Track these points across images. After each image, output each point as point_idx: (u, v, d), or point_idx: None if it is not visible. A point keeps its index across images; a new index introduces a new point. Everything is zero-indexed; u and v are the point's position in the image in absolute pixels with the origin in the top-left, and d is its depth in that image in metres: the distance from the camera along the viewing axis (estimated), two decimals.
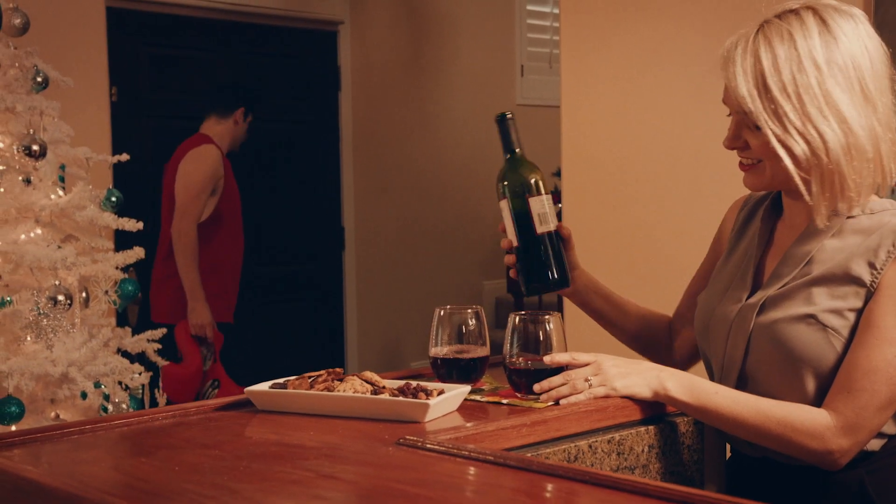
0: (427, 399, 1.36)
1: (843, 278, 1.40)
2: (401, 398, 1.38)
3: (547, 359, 1.47)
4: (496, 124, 1.70)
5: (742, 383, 1.48)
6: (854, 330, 1.38)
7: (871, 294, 1.38)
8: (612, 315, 1.75)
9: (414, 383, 1.43)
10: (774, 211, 1.56)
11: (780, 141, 1.38)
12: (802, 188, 1.40)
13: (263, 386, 1.45)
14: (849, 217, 1.43)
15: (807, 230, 1.46)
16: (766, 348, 1.44)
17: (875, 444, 1.43)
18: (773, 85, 1.37)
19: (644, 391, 1.44)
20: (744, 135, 1.44)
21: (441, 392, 1.41)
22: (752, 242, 1.55)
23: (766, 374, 1.45)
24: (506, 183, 1.66)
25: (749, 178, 1.48)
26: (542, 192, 1.66)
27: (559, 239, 1.65)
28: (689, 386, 1.43)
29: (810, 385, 1.41)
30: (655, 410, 1.48)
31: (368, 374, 1.47)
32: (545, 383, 1.45)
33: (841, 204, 1.41)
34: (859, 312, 1.38)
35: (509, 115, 1.69)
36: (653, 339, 1.75)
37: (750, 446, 1.49)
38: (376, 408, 1.37)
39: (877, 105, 1.39)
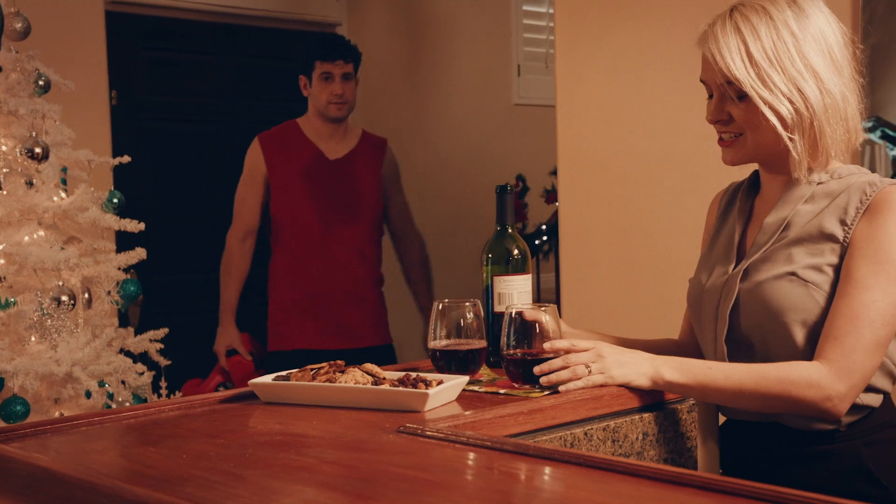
0: (426, 389, 1.40)
1: (819, 237, 1.50)
2: (401, 388, 1.41)
3: (547, 345, 1.51)
4: (496, 194, 1.76)
5: (735, 349, 1.55)
6: (834, 285, 1.47)
7: (844, 249, 1.48)
8: None
9: (413, 374, 1.47)
10: (753, 189, 1.66)
11: (766, 104, 1.49)
12: (790, 145, 1.50)
13: (267, 378, 1.49)
14: (819, 183, 1.54)
15: (781, 200, 1.56)
16: (754, 309, 1.51)
17: (874, 400, 1.51)
18: (756, 53, 1.49)
19: (641, 380, 1.49)
20: (727, 107, 1.54)
21: (440, 382, 1.44)
22: (733, 220, 1.64)
23: (756, 336, 1.52)
24: (489, 255, 1.75)
25: (729, 152, 1.58)
26: (521, 270, 1.72)
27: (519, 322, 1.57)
28: (683, 368, 1.49)
29: (799, 338, 1.48)
30: (650, 399, 1.52)
31: (369, 366, 1.50)
32: (545, 366, 1.49)
33: (818, 159, 1.53)
34: (837, 268, 1.48)
35: (509, 189, 1.76)
36: None
37: (750, 414, 1.54)
38: (377, 398, 1.41)
39: (843, 71, 1.52)
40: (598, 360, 1.50)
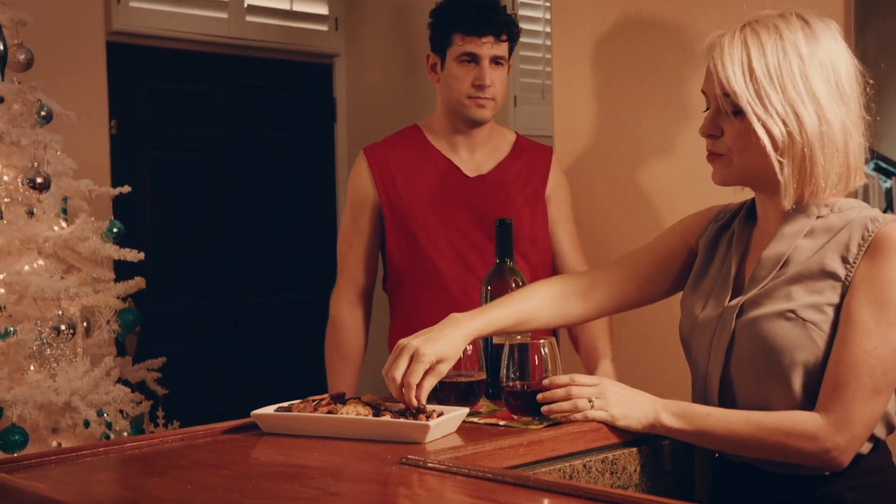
0: (427, 421, 1.41)
1: (819, 274, 1.46)
2: (402, 420, 1.42)
3: (546, 381, 1.52)
4: (495, 228, 1.79)
5: (726, 386, 1.53)
6: (834, 325, 1.44)
7: (846, 288, 1.44)
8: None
9: (416, 407, 1.48)
10: (750, 218, 1.62)
11: (760, 122, 1.45)
12: (777, 168, 1.46)
13: (269, 409, 1.50)
14: (818, 217, 1.50)
15: (779, 233, 1.52)
16: (749, 346, 1.49)
17: (865, 447, 1.48)
18: (759, 69, 1.45)
19: (637, 426, 1.51)
20: (720, 122, 1.51)
21: (440, 414, 1.46)
22: (728, 250, 1.61)
23: (750, 374, 1.49)
24: (489, 287, 1.78)
25: (717, 170, 1.55)
26: None
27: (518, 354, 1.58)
28: (682, 414, 1.49)
29: (795, 378, 1.45)
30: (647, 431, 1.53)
31: (370, 398, 1.52)
32: (549, 394, 1.51)
33: (808, 188, 1.48)
34: (837, 307, 1.44)
35: (509, 223, 1.79)
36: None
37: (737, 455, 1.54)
38: (378, 429, 1.42)
39: (850, 104, 1.48)
40: (602, 397, 1.51)
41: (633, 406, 1.51)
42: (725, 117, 1.50)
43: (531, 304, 1.65)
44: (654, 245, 1.74)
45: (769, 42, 1.46)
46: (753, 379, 1.49)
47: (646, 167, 2.72)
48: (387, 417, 1.44)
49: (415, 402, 1.47)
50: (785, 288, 1.48)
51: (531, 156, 2.56)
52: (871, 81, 1.55)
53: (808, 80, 1.45)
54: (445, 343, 1.52)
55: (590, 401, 1.50)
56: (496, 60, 2.43)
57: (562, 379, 1.53)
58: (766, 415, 1.45)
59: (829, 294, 1.44)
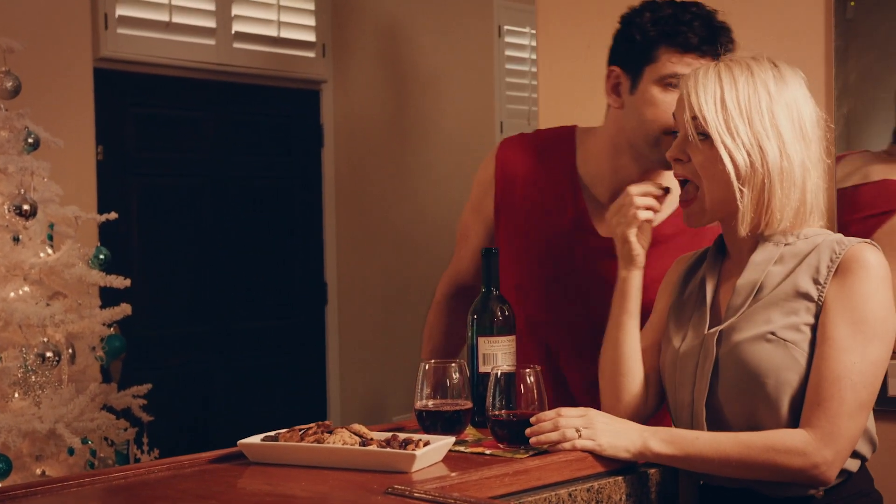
0: (413, 450, 1.42)
1: (793, 296, 1.51)
2: (388, 449, 1.43)
3: (533, 419, 1.53)
4: (481, 256, 1.79)
5: (714, 412, 1.55)
6: (812, 343, 1.49)
7: (819, 308, 1.49)
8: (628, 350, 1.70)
9: (401, 435, 1.48)
10: (720, 252, 1.67)
11: (727, 150, 1.52)
12: (738, 195, 1.53)
13: (255, 439, 1.50)
14: (786, 244, 1.56)
15: (750, 262, 1.57)
16: (734, 371, 1.53)
17: (852, 465, 1.52)
18: (730, 100, 1.53)
19: (625, 454, 1.52)
20: (688, 148, 1.58)
21: (427, 443, 1.46)
22: (701, 284, 1.65)
23: (737, 398, 1.53)
24: (475, 316, 1.77)
25: (690, 214, 1.61)
26: (506, 332, 1.75)
27: (504, 383, 1.58)
28: (670, 440, 1.51)
29: (783, 402, 1.49)
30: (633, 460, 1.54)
31: (357, 427, 1.52)
32: (536, 428, 1.51)
33: (764, 218, 1.54)
34: (813, 327, 1.50)
35: (494, 251, 1.79)
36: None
37: (727, 480, 1.56)
38: (365, 459, 1.42)
39: (811, 144, 1.56)
40: (590, 427, 1.51)
41: (620, 435, 1.52)
42: (693, 144, 1.56)
43: None
44: (654, 327, 1.75)
45: (741, 78, 1.54)
46: (740, 403, 1.53)
47: None
48: (373, 447, 1.45)
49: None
50: (763, 312, 1.53)
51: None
52: (832, 126, 1.65)
53: (773, 117, 1.53)
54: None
55: (577, 431, 1.51)
56: None
57: (548, 414, 1.54)
58: (753, 434, 1.48)
59: (804, 314, 1.50)
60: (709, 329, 1.58)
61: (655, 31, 1.81)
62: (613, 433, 1.52)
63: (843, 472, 1.52)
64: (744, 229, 1.55)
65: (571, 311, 1.94)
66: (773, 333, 1.50)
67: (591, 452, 1.50)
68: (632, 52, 1.86)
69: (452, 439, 1.52)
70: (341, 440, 1.46)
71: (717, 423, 1.55)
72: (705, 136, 1.54)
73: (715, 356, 1.55)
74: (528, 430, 1.52)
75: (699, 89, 1.54)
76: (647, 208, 1.70)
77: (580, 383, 1.93)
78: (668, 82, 1.80)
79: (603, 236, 1.89)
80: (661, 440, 1.51)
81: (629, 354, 1.68)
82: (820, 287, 1.50)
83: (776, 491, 1.51)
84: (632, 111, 1.86)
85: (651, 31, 1.81)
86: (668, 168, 1.72)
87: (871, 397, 1.48)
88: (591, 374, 1.78)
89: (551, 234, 1.94)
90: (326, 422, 1.55)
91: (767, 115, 1.52)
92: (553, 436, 1.51)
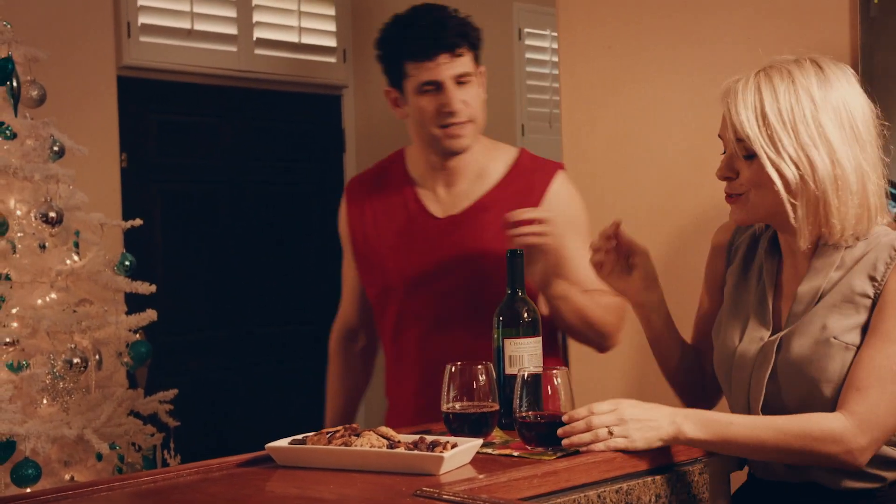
0: (442, 452, 1.41)
1: (850, 296, 1.50)
2: (416, 451, 1.43)
3: (565, 417, 1.52)
4: (506, 258, 1.79)
5: (772, 413, 1.54)
6: (863, 338, 1.48)
7: (875, 304, 1.48)
8: (667, 341, 1.77)
9: (429, 438, 1.48)
10: (776, 253, 1.64)
11: (773, 165, 1.48)
12: (790, 210, 1.50)
13: (283, 442, 1.51)
14: (847, 247, 1.53)
15: (812, 269, 1.55)
16: (795, 380, 1.52)
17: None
18: (771, 114, 1.48)
19: (659, 444, 1.51)
20: (736, 165, 1.55)
21: (454, 445, 1.46)
22: (759, 283, 1.63)
23: (794, 405, 1.52)
24: (500, 318, 1.77)
25: (735, 211, 1.59)
26: (532, 333, 1.74)
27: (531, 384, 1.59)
28: (704, 424, 1.49)
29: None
30: (662, 461, 1.53)
31: (384, 430, 1.52)
32: (568, 428, 1.50)
33: (825, 230, 1.52)
34: (866, 324, 1.48)
35: (519, 253, 1.79)
36: (692, 376, 1.79)
37: (767, 471, 1.55)
38: (393, 461, 1.42)
39: (865, 146, 1.51)
40: (621, 424, 1.50)
41: (652, 428, 1.50)
42: (740, 160, 1.54)
43: None
44: (705, 309, 1.76)
45: (782, 87, 1.49)
46: (801, 406, 1.52)
47: (659, 194, 2.73)
48: (401, 449, 1.45)
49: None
50: (820, 317, 1.51)
51: (526, 180, 2.13)
52: (887, 123, 1.58)
53: (820, 125, 1.48)
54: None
55: (609, 430, 1.49)
56: (460, 80, 2.08)
57: (580, 412, 1.52)
58: (789, 420, 1.47)
59: (862, 313, 1.49)
60: (770, 336, 1.57)
61: (394, 50, 2.10)
62: (645, 426, 1.50)
63: None
64: (803, 243, 1.52)
65: (424, 288, 2.12)
66: (835, 337, 1.49)
67: (625, 450, 1.48)
68: (391, 72, 2.16)
69: (480, 441, 1.52)
70: (369, 443, 1.46)
71: None
72: (751, 156, 1.51)
73: (772, 363, 1.54)
74: (559, 431, 1.51)
75: (738, 106, 1.50)
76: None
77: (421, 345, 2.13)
78: (423, 90, 2.08)
79: (439, 217, 2.15)
80: (695, 424, 1.49)
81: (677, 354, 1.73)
82: (877, 284, 1.49)
83: (833, 482, 1.51)
84: (411, 119, 2.15)
85: (391, 51, 2.12)
86: (453, 154, 2.08)
87: None
88: (459, 343, 2.04)
89: (401, 235, 2.16)
90: (353, 424, 1.55)
91: (813, 123, 1.48)
92: (586, 437, 1.49)
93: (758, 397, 1.55)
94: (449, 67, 2.06)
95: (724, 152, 1.58)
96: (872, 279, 1.49)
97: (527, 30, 5.74)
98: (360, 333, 2.37)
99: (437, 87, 2.06)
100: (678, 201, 2.66)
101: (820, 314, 1.51)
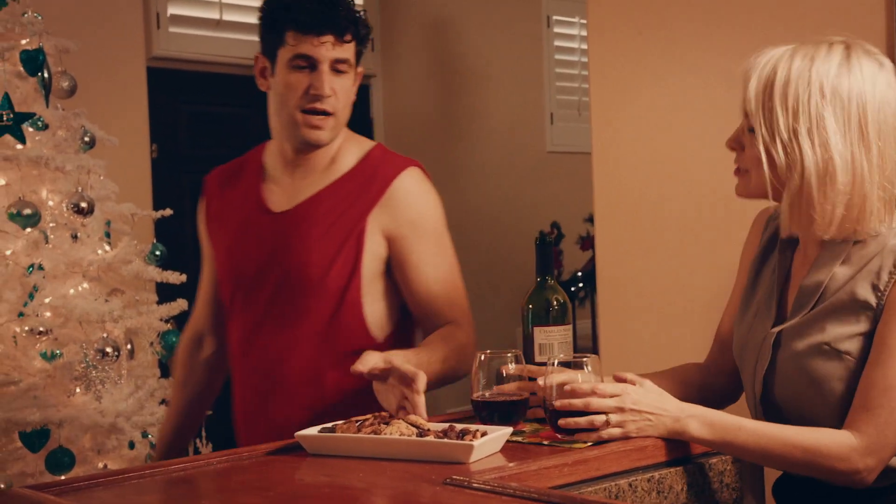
0: (471, 441, 1.41)
1: (851, 304, 1.46)
2: (445, 440, 1.42)
3: (568, 388, 1.49)
4: (535, 246, 1.77)
5: (770, 406, 1.54)
6: (865, 352, 1.44)
7: (878, 315, 1.43)
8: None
9: (458, 426, 1.48)
10: (794, 241, 1.61)
11: (765, 146, 1.45)
12: (770, 194, 1.48)
13: (313, 430, 1.50)
14: (856, 242, 1.48)
15: (818, 260, 1.51)
16: (789, 377, 1.51)
17: None
18: (777, 93, 1.44)
19: (656, 436, 1.48)
20: (742, 138, 1.53)
21: (484, 434, 1.45)
22: (773, 273, 1.61)
23: (791, 401, 1.51)
24: (530, 306, 1.75)
25: (739, 184, 1.57)
26: (562, 321, 1.73)
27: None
28: (711, 425, 1.46)
29: (834, 407, 1.46)
30: (694, 450, 1.52)
31: (413, 418, 1.51)
32: (566, 403, 1.48)
33: (805, 221, 1.47)
34: (869, 335, 1.44)
35: (548, 240, 1.78)
36: (689, 395, 1.70)
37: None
38: (422, 450, 1.42)
39: (872, 147, 1.43)
40: (619, 413, 1.46)
41: (651, 423, 1.47)
42: (747, 134, 1.52)
43: None
44: (736, 295, 1.73)
45: (798, 68, 1.44)
46: (793, 405, 1.51)
47: (690, 182, 2.70)
48: (430, 438, 1.44)
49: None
50: (820, 321, 1.48)
51: (370, 174, 1.96)
52: None
53: (821, 118, 1.42)
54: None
55: (606, 420, 1.46)
56: (338, 66, 1.91)
57: (584, 387, 1.48)
58: (797, 431, 1.44)
59: (862, 323, 1.45)
60: (772, 328, 1.55)
61: (280, 16, 1.91)
62: (644, 419, 1.46)
63: None
64: (784, 230, 1.51)
65: (243, 286, 1.98)
66: (827, 344, 1.46)
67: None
68: (268, 37, 1.96)
69: (510, 430, 1.51)
70: (398, 431, 1.45)
71: (774, 415, 1.54)
72: (752, 130, 1.49)
73: (770, 358, 1.52)
74: (557, 403, 1.48)
75: (752, 78, 1.47)
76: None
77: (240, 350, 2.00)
78: (295, 64, 1.90)
79: (276, 212, 1.98)
80: (700, 424, 1.46)
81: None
82: (880, 294, 1.44)
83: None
84: (273, 94, 1.97)
85: (276, 15, 1.92)
86: (312, 150, 1.94)
87: None
88: (276, 348, 1.92)
89: (236, 230, 2.02)
90: (383, 412, 1.54)
91: (814, 112, 1.42)
92: (581, 421, 1.46)
93: (758, 390, 1.54)
94: (330, 49, 1.89)
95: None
96: (875, 288, 1.44)
97: (555, 17, 5.71)
98: (207, 339, 2.14)
99: (311, 65, 1.89)
100: (712, 189, 2.63)
101: (820, 317, 1.48)
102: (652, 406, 1.48)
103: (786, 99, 1.43)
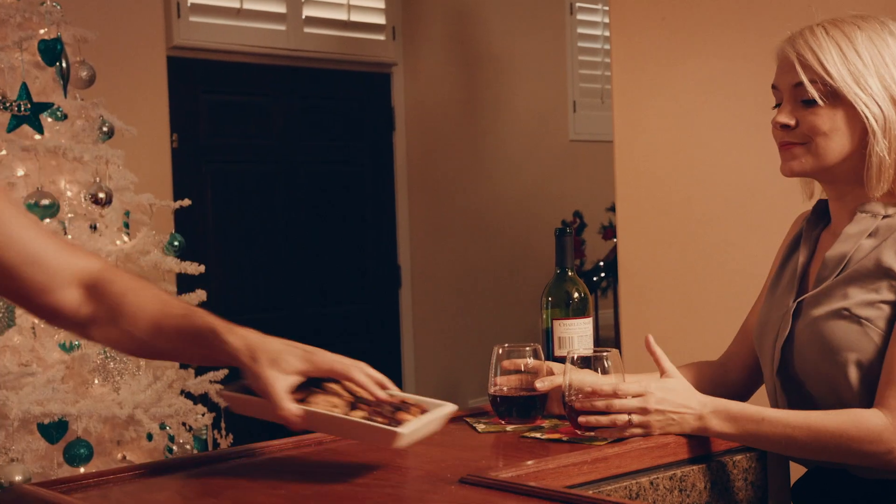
0: (399, 427, 1.24)
1: (875, 271, 1.43)
2: (372, 423, 1.25)
3: (588, 389, 1.45)
4: (555, 237, 1.74)
5: (789, 384, 1.51)
6: (890, 322, 1.41)
7: None
8: None
9: (398, 397, 1.33)
10: (821, 219, 1.60)
11: (861, 101, 1.43)
12: (876, 150, 1.43)
13: (235, 388, 1.33)
14: (885, 217, 1.47)
15: (844, 233, 1.49)
16: (809, 347, 1.47)
17: None
18: (850, 54, 1.44)
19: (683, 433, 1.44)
20: (797, 113, 1.48)
21: (424, 410, 1.32)
22: (797, 255, 1.59)
23: (810, 373, 1.47)
24: (549, 298, 1.72)
25: (791, 159, 1.50)
26: (582, 314, 1.70)
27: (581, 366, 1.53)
28: (733, 419, 1.42)
29: (854, 377, 1.42)
30: (717, 447, 1.48)
31: (352, 385, 1.32)
32: (588, 406, 1.44)
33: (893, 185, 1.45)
34: (894, 304, 1.41)
35: (568, 231, 1.75)
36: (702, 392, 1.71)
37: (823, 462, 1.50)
38: (347, 429, 1.26)
39: None
40: (642, 413, 1.42)
41: (675, 422, 1.43)
42: (803, 108, 1.47)
43: None
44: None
45: (853, 33, 1.45)
46: (812, 376, 1.47)
47: (714, 170, 2.65)
48: (360, 414, 1.26)
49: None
50: (842, 287, 1.45)
51: None
52: None
53: (894, 73, 1.44)
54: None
55: (629, 420, 1.42)
56: None
57: (606, 388, 1.44)
58: (823, 416, 1.40)
59: (885, 292, 1.42)
60: (793, 301, 1.52)
61: None
62: (667, 419, 1.42)
63: None
64: (881, 188, 1.46)
65: None
66: (847, 310, 1.43)
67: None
68: None
69: (450, 408, 1.36)
70: (327, 402, 1.27)
71: (799, 395, 1.50)
72: (812, 102, 1.45)
73: (790, 330, 1.49)
74: (580, 419, 1.44)
75: (814, 48, 1.45)
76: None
77: None
78: None
79: None
80: (722, 420, 1.42)
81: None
82: None
83: (869, 473, 1.45)
84: None
85: None
86: None
87: None
88: None
89: None
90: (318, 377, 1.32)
91: (893, 66, 1.44)
92: (603, 420, 1.42)
93: (779, 364, 1.51)
94: None
95: (777, 105, 1.52)
96: None
97: (578, 4, 5.65)
98: None
99: None
100: (736, 177, 2.58)
101: (842, 283, 1.45)
102: (676, 405, 1.44)
103: (862, 60, 1.44)
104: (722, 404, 1.45)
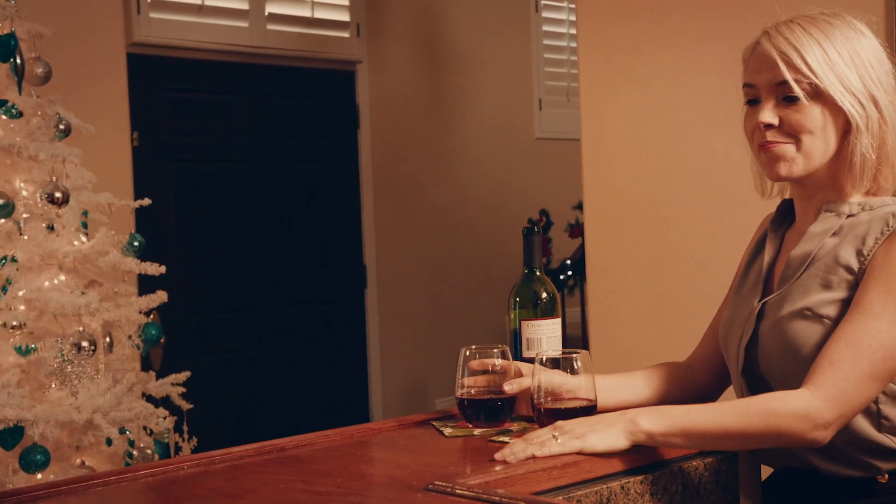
0: None
1: (833, 267, 1.43)
2: None
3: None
4: (523, 236, 1.71)
5: (757, 383, 1.50)
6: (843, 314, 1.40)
7: (860, 280, 1.40)
8: (625, 395, 1.63)
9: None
10: (785, 220, 1.59)
11: (843, 98, 1.42)
12: (858, 146, 1.43)
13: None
14: (849, 216, 1.47)
15: (808, 232, 1.49)
16: (773, 347, 1.46)
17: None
18: (831, 51, 1.43)
19: (620, 442, 1.36)
20: (779, 111, 1.46)
21: None
22: (762, 255, 1.58)
23: (776, 373, 1.46)
24: (517, 299, 1.69)
25: (781, 161, 1.47)
26: (550, 314, 1.67)
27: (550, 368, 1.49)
28: (660, 416, 1.38)
29: None
30: (687, 449, 1.45)
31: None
32: (506, 450, 1.35)
33: (883, 170, 1.46)
34: (847, 301, 1.40)
35: (536, 230, 1.72)
36: (669, 393, 1.66)
37: (797, 460, 1.48)
38: None
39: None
40: (567, 430, 1.35)
41: (603, 429, 1.36)
42: (786, 106, 1.45)
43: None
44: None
45: (830, 31, 1.45)
46: (778, 377, 1.46)
47: (681, 169, 2.64)
48: None
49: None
50: (804, 286, 1.45)
51: None
52: None
53: (872, 67, 1.45)
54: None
55: (553, 436, 1.35)
56: None
57: (515, 444, 1.36)
58: (750, 399, 1.40)
59: (842, 289, 1.41)
60: (758, 301, 1.51)
61: None
62: (593, 426, 1.36)
63: None
64: (864, 185, 1.46)
65: None
66: (809, 309, 1.42)
67: (581, 453, 1.34)
68: None
69: None
70: None
71: (762, 392, 1.47)
72: (794, 98, 1.43)
73: (754, 330, 1.48)
74: (497, 455, 1.34)
75: (796, 45, 1.43)
76: None
77: None
78: None
79: None
80: (649, 416, 1.37)
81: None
82: (862, 259, 1.41)
83: (833, 471, 1.44)
84: None
85: None
86: None
87: (891, 370, 1.37)
88: None
89: None
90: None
91: (869, 64, 1.44)
92: (531, 449, 1.32)
93: (740, 362, 1.50)
94: None
95: (751, 102, 1.49)
96: (859, 253, 1.41)
97: (544, 2, 5.63)
98: None
99: None
100: (702, 175, 2.57)
101: (805, 283, 1.45)
102: (596, 418, 1.39)
103: (842, 57, 1.43)
104: (648, 407, 1.43)
